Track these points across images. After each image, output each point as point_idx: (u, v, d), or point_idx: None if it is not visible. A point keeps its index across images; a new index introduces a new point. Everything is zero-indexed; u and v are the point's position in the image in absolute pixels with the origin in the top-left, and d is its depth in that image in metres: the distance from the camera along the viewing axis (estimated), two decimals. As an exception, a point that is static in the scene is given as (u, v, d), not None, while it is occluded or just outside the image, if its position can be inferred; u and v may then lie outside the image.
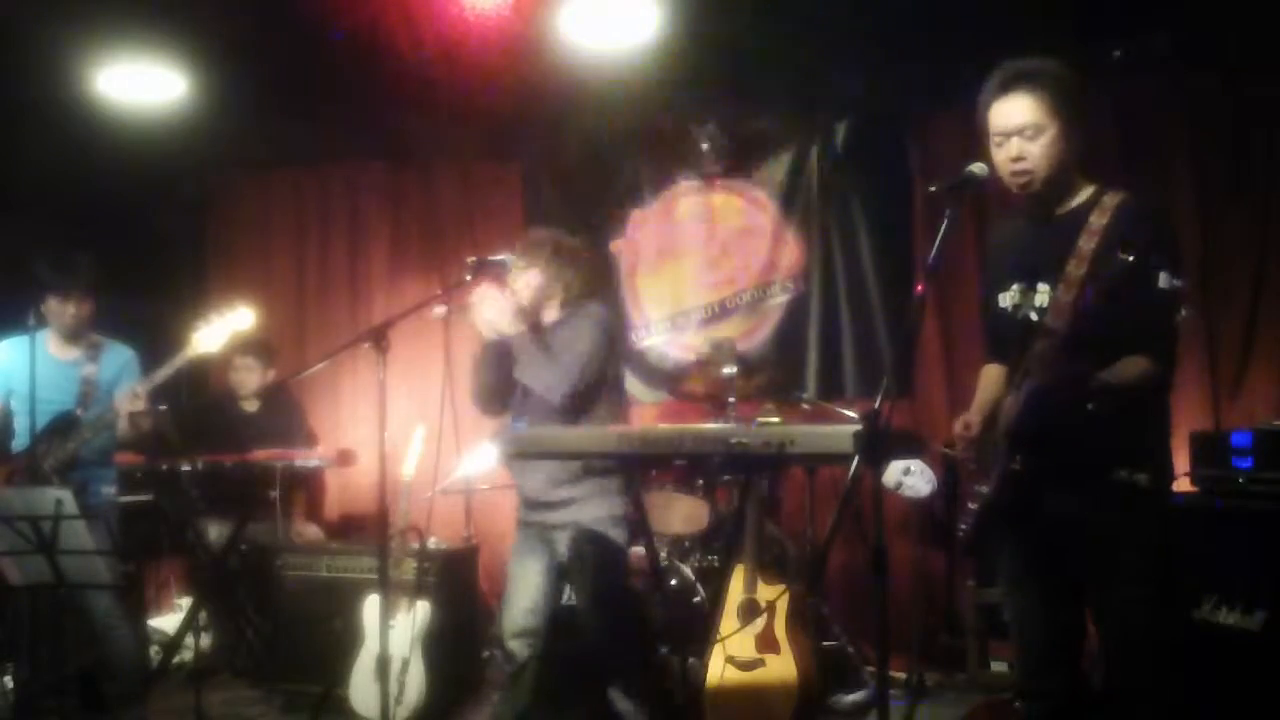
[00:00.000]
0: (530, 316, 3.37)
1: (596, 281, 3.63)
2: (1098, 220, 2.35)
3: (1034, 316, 2.44)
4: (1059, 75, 2.42)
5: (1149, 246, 2.21)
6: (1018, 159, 2.41)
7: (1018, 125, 2.40)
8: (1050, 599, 2.48)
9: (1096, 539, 2.36)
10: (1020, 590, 2.54)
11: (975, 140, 2.54)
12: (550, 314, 3.46)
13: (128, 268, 5.14)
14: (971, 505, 2.46)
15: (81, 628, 3.73)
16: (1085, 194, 2.46)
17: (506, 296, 3.34)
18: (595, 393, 3.32)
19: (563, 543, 3.38)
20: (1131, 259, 2.14)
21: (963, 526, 2.49)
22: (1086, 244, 2.33)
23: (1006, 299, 2.54)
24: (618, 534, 3.36)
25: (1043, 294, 2.44)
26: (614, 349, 3.47)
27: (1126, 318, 2.21)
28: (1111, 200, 2.39)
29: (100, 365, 3.93)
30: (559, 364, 3.25)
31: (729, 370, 4.49)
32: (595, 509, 3.34)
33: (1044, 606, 2.49)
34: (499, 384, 3.44)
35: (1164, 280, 2.24)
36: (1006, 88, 2.43)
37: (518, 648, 3.46)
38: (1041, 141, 2.40)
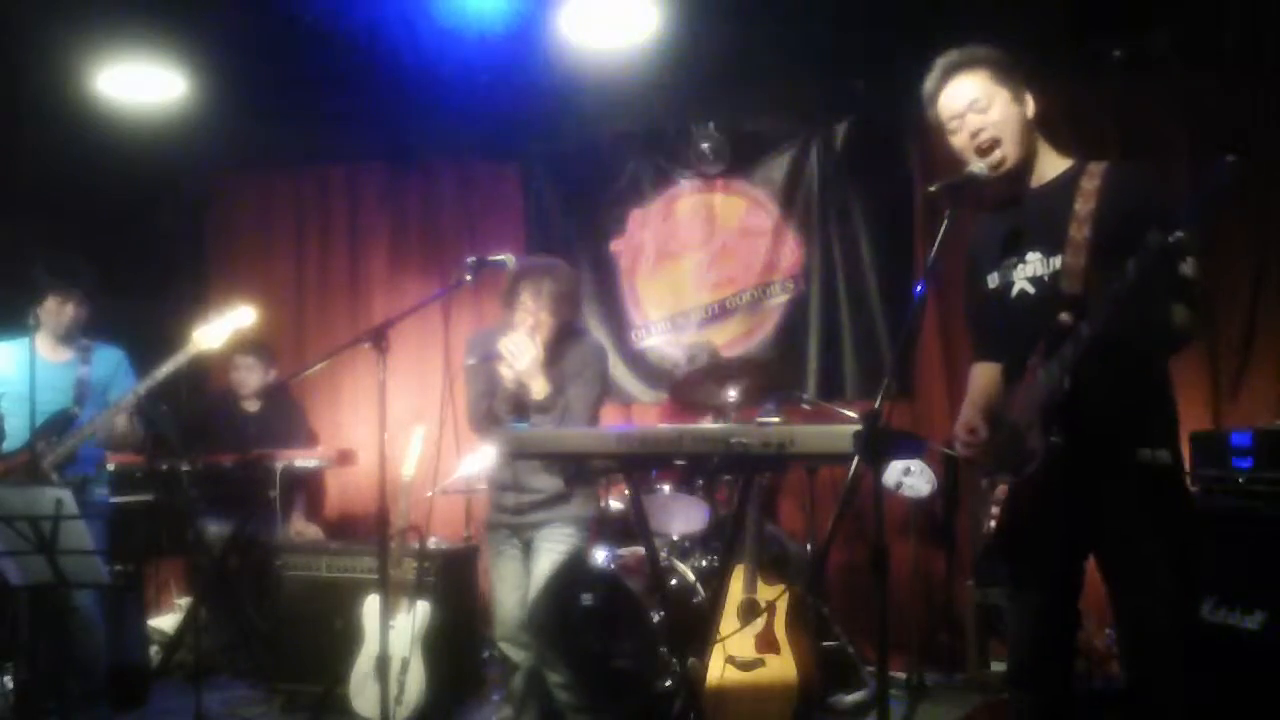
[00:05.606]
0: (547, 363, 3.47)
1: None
2: (1089, 184, 2.36)
3: (1031, 289, 2.42)
4: (993, 56, 2.47)
5: (1148, 201, 2.22)
6: (977, 131, 2.43)
7: (966, 103, 2.43)
8: (1055, 591, 2.46)
9: (1121, 522, 2.32)
10: (1025, 580, 2.51)
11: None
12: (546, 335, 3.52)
13: (128, 268, 5.16)
14: (995, 507, 2.40)
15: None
16: (1066, 165, 2.47)
17: (536, 346, 3.39)
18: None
19: (533, 539, 3.54)
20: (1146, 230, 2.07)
21: (990, 523, 2.43)
22: (1084, 206, 2.33)
23: (992, 279, 2.52)
24: (578, 536, 3.57)
25: (1033, 263, 2.42)
26: (606, 381, 3.76)
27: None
28: (1097, 167, 2.41)
29: (92, 366, 3.99)
30: (576, 422, 3.43)
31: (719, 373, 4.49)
32: (561, 510, 3.52)
33: (1047, 598, 2.46)
34: (508, 421, 3.53)
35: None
36: (947, 77, 2.48)
37: (509, 650, 3.56)
38: (995, 108, 2.42)
